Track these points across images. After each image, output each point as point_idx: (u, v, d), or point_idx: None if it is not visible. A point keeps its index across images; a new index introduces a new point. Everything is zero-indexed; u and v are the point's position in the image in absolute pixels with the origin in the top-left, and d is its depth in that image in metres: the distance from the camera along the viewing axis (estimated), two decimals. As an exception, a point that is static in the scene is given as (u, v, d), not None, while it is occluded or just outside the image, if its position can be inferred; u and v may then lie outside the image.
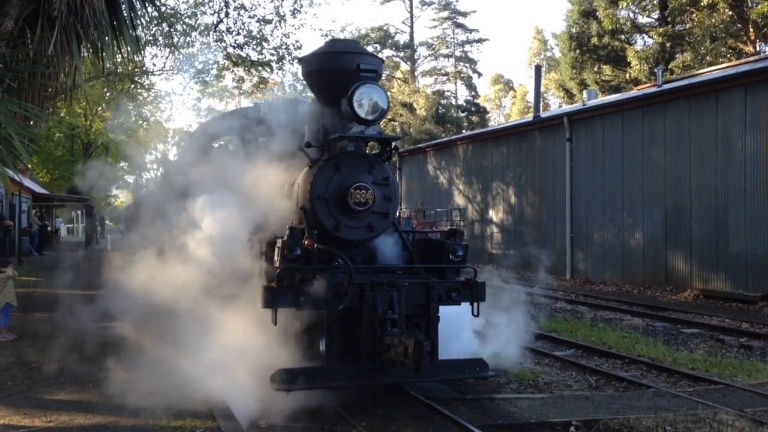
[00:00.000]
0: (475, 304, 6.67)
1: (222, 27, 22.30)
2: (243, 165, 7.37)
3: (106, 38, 5.42)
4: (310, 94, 8.15)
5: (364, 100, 6.38)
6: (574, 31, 35.28)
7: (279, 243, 6.02)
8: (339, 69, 6.78)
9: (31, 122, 5.57)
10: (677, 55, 32.18)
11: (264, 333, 6.16)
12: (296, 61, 24.38)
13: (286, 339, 6.20)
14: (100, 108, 34.88)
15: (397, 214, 7.00)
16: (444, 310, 6.69)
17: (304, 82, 7.85)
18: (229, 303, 6.56)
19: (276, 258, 6.02)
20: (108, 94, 30.21)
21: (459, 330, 7.56)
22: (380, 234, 6.83)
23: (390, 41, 50.91)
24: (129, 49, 5.54)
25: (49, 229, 32.69)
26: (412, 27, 51.38)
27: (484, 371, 6.48)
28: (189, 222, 7.60)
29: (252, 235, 6.77)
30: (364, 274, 6.38)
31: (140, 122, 38.75)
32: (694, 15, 29.91)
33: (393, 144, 6.99)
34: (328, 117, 6.93)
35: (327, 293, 5.90)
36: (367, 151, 7.19)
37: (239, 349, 6.17)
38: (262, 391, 5.84)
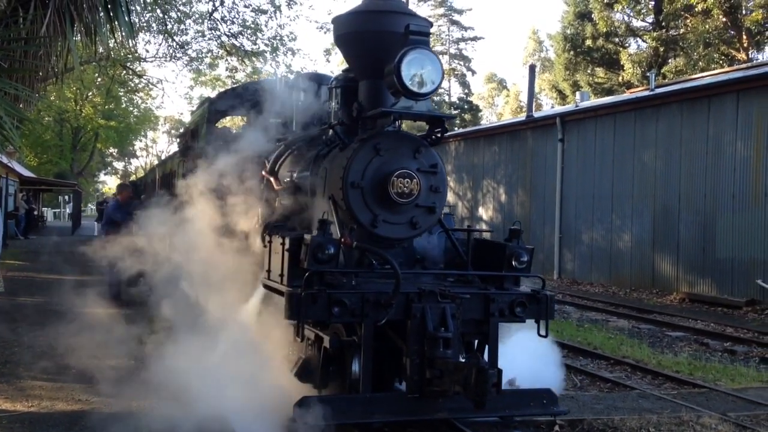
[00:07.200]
0: (542, 322, 5.44)
1: (216, 15, 22.22)
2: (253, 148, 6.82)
3: (100, 20, 5.35)
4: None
5: (414, 68, 5.20)
6: (569, 32, 35.32)
7: (307, 239, 4.94)
8: (382, 32, 5.54)
9: (21, 104, 5.50)
10: (670, 60, 32.32)
11: (282, 346, 5.54)
12: (301, 46, 24.18)
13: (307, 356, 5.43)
14: (90, 93, 34.68)
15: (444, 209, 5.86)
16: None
17: (302, 72, 7.41)
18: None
19: (303, 258, 4.93)
20: (99, 79, 30.03)
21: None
22: (424, 232, 5.67)
23: (385, 36, 50.79)
24: (123, 32, 5.45)
25: (35, 213, 32.52)
26: (407, 22, 51.34)
27: (554, 405, 5.29)
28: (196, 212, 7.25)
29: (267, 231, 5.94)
30: (409, 281, 5.23)
31: (131, 109, 38.61)
32: (689, 20, 30.00)
33: (444, 124, 5.77)
34: (364, 89, 5.82)
35: (366, 303, 4.82)
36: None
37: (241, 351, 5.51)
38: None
